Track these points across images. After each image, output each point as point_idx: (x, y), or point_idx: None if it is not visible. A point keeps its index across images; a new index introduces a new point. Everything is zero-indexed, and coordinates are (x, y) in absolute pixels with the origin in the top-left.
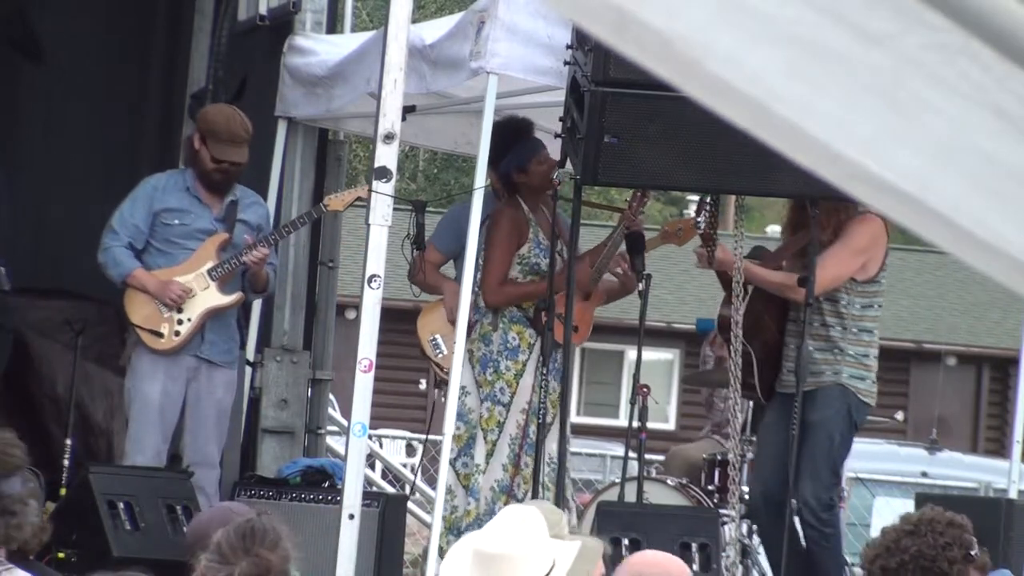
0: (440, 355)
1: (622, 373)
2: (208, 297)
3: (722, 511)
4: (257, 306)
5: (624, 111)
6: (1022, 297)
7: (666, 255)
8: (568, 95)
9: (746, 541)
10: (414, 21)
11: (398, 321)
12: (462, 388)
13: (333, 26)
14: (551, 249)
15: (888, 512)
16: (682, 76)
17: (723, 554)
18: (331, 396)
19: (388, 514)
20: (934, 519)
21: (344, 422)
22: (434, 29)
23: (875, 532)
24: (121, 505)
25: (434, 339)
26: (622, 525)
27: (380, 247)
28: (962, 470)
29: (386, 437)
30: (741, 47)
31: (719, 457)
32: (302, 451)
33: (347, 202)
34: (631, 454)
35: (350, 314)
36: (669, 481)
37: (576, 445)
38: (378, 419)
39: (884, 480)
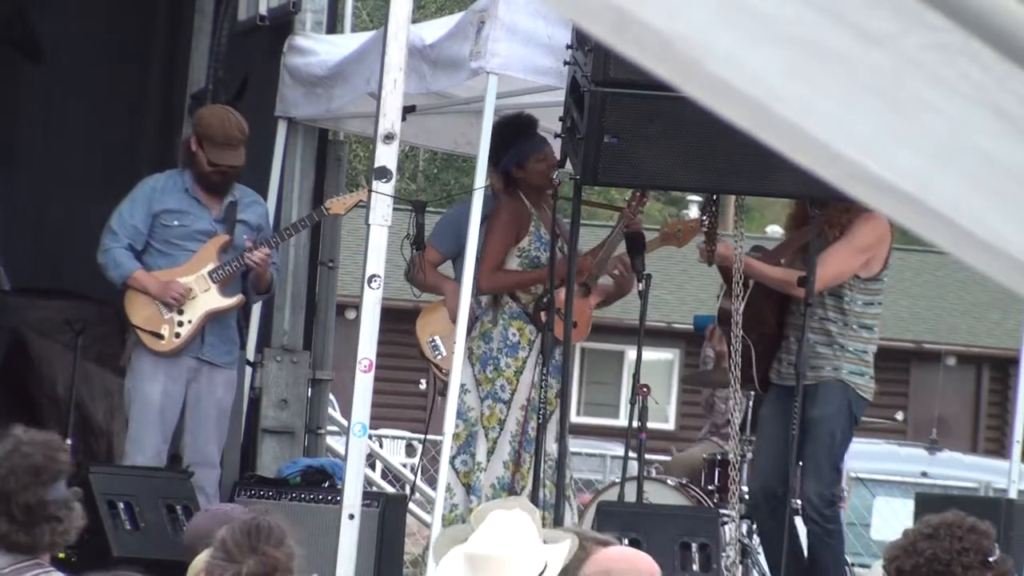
0: (439, 356)
1: (622, 373)
2: (209, 299)
3: (722, 511)
4: (257, 306)
5: (624, 111)
6: (1022, 297)
7: (666, 255)
8: (568, 95)
9: (746, 541)
10: (414, 21)
11: (398, 321)
12: (461, 386)
13: (333, 26)
14: (551, 246)
15: (888, 512)
16: (682, 76)
17: (723, 554)
18: (331, 396)
19: (388, 514)
20: (954, 523)
21: (344, 422)
22: (434, 29)
23: (875, 532)
24: (121, 505)
25: (433, 340)
26: (622, 525)
27: (380, 247)
28: (962, 470)
29: (386, 437)
30: (741, 47)
31: (719, 457)
32: (302, 451)
33: (348, 206)
34: (631, 454)
35: (350, 314)
36: (669, 481)
37: (576, 445)
38: (378, 419)
39: (884, 480)
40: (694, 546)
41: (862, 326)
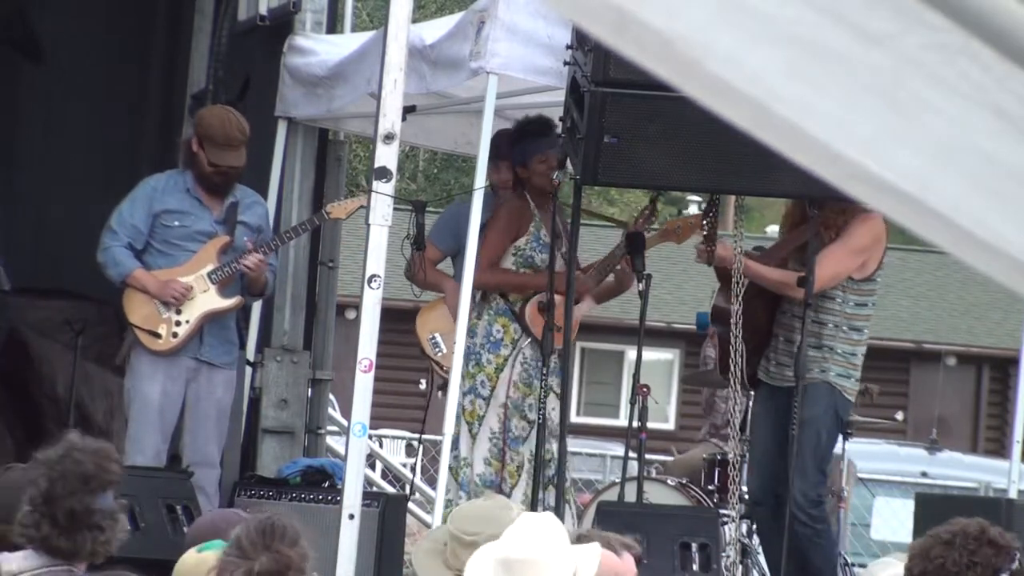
0: (439, 354)
1: (622, 373)
2: (207, 300)
3: (722, 511)
4: (257, 306)
5: (624, 111)
6: (1022, 297)
7: (666, 255)
8: (568, 95)
9: (746, 541)
10: (414, 21)
11: (398, 321)
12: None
13: (333, 26)
14: (551, 248)
15: (888, 512)
16: (682, 76)
17: (723, 554)
18: (331, 396)
19: (388, 514)
20: (971, 534)
21: (344, 422)
22: (434, 29)
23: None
24: None
25: (433, 338)
26: (622, 525)
27: (380, 247)
28: (962, 470)
29: (386, 437)
30: (741, 47)
31: (719, 457)
32: (302, 451)
33: (349, 210)
34: (631, 454)
35: (350, 314)
36: (669, 481)
37: (576, 445)
38: (378, 419)
39: (884, 480)
40: (694, 546)
41: (852, 328)
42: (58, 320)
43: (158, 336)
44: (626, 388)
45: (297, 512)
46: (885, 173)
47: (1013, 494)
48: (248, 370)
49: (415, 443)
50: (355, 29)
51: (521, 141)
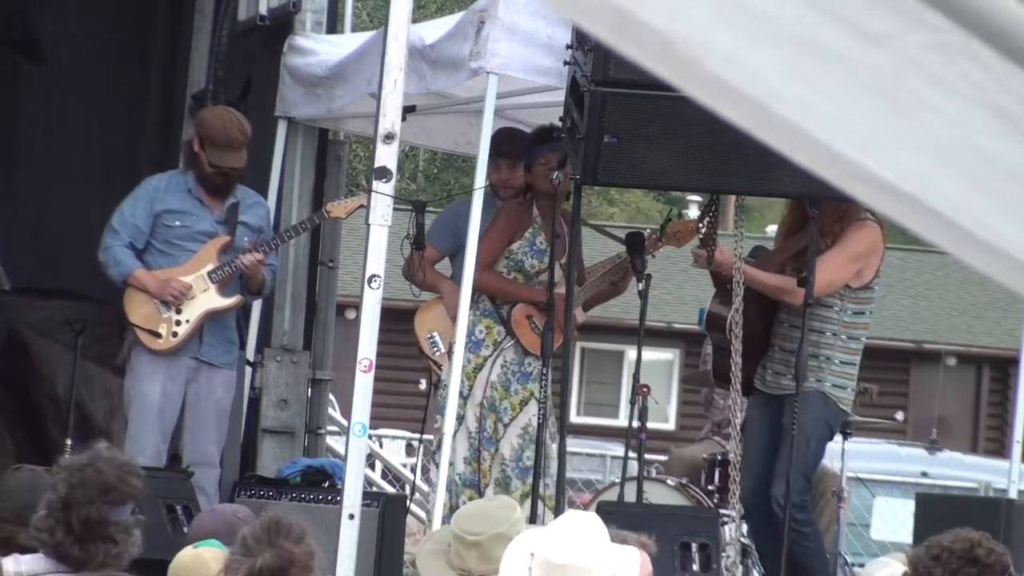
0: (438, 353)
1: (622, 373)
2: (207, 299)
3: (722, 511)
4: (257, 306)
5: (624, 111)
6: (1022, 297)
7: (666, 255)
8: (568, 95)
9: (746, 541)
10: (414, 21)
11: (398, 321)
12: (441, 381)
13: (333, 26)
14: (551, 251)
15: (888, 512)
16: (682, 76)
17: (723, 554)
18: (331, 396)
19: (388, 514)
20: (957, 551)
21: (344, 422)
22: (434, 29)
23: (875, 532)
24: None
25: (431, 337)
26: (622, 525)
27: (380, 247)
28: (962, 470)
29: (386, 437)
30: (741, 47)
31: (719, 457)
32: (302, 451)
33: (349, 210)
34: (631, 454)
35: (350, 314)
36: (669, 481)
37: (576, 445)
38: (378, 419)
39: (884, 480)
40: (694, 546)
41: (850, 337)
42: (58, 320)
43: (158, 336)
44: (626, 388)
45: (297, 512)
46: (885, 173)
47: (1013, 494)
48: (248, 370)
49: (415, 443)
50: (355, 29)
51: (530, 147)
